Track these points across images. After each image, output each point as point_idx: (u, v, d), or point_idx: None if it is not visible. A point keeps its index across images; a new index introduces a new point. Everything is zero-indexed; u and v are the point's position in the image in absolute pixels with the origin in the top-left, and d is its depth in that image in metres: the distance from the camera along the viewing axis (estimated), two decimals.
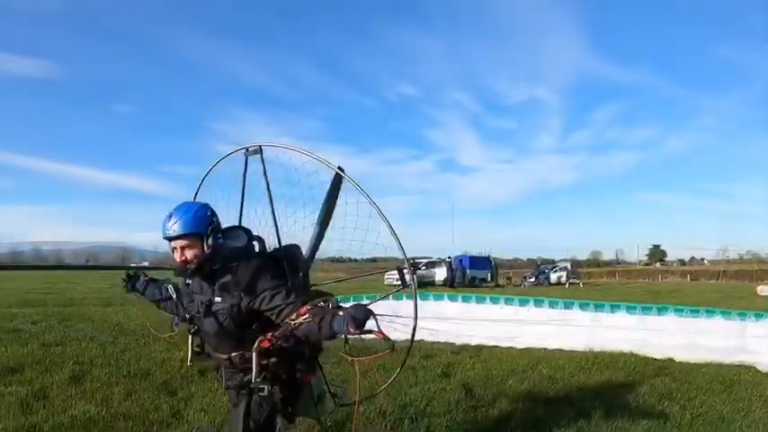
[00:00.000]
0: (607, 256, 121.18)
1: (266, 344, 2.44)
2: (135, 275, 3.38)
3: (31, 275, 50.28)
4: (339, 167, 3.25)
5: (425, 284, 35.02)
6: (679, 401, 5.67)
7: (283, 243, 3.16)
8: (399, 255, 3.22)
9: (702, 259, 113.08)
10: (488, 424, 4.93)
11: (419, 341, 7.52)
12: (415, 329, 3.29)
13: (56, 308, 15.10)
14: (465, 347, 8.89)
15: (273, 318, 2.49)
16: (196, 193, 3.69)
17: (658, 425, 4.86)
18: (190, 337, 2.94)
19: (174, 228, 2.53)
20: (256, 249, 2.87)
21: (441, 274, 38.79)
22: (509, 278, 52.84)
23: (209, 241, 2.58)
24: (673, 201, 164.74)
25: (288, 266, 2.90)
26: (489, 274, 46.41)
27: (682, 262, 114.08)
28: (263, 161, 3.27)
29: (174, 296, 3.09)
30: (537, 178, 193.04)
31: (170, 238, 2.55)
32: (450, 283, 36.87)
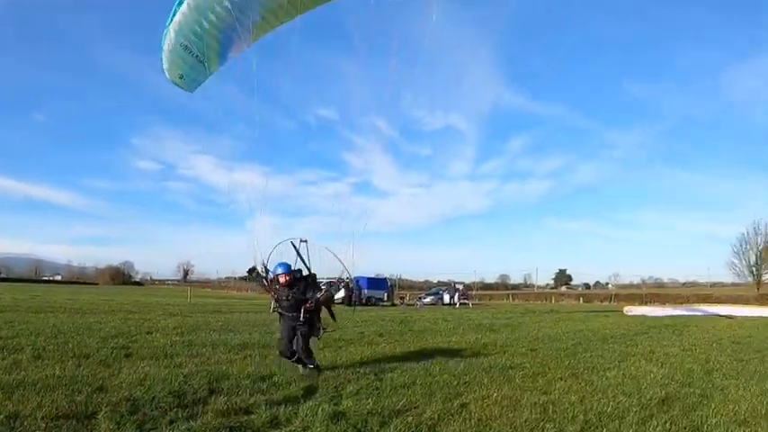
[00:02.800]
0: (516, 279, 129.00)
1: (309, 306, 8.02)
2: (255, 271, 8.41)
3: None
4: (302, 239, 8.59)
5: None
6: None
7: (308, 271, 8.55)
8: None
9: (607, 284, 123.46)
10: None
11: None
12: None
13: None
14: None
15: (310, 300, 8.04)
16: (270, 254, 8.45)
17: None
18: (272, 301, 8.61)
19: (281, 270, 8.16)
20: (304, 273, 8.35)
21: (339, 293, 40.16)
22: (402, 298, 54.05)
23: (292, 274, 8.20)
24: (580, 227, 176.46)
25: (314, 277, 8.44)
26: (386, 295, 48.92)
27: (587, 286, 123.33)
28: (306, 246, 8.50)
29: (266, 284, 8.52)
30: (450, 203, 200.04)
31: (280, 275, 8.13)
32: (347, 302, 38.81)
